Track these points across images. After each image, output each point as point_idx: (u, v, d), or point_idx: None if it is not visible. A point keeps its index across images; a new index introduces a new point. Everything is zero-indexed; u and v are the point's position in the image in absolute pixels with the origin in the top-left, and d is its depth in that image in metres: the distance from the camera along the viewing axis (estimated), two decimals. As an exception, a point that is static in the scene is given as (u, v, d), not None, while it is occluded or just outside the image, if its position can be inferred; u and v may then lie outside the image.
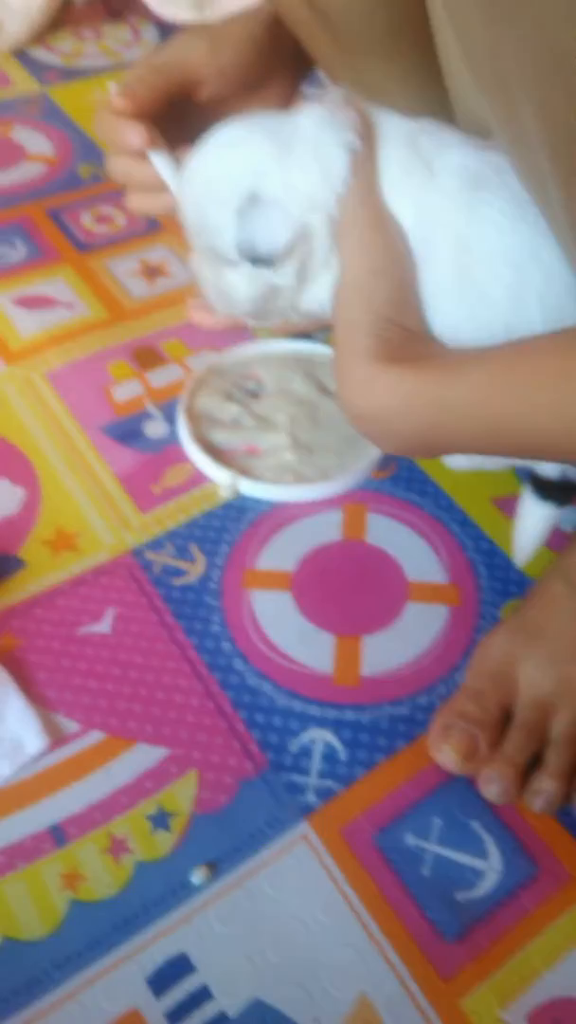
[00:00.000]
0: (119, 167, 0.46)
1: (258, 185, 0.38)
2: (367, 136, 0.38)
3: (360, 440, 0.58)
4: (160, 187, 0.45)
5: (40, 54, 1.00)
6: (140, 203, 0.48)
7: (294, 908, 0.39)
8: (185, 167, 0.42)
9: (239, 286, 0.41)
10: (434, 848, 0.41)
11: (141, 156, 0.45)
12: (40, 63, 0.98)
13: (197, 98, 0.48)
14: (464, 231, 0.37)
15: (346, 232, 0.38)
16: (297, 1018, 0.36)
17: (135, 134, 0.43)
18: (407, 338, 0.36)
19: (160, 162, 0.44)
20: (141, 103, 0.43)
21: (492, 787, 0.41)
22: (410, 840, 0.41)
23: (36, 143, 0.85)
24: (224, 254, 0.40)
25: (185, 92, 0.47)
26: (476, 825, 0.42)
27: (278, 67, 0.51)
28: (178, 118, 0.47)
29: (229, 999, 0.37)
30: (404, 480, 0.57)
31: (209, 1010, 0.37)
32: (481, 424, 0.34)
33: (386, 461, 0.58)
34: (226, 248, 0.40)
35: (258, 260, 0.39)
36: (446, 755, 0.42)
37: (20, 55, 0.99)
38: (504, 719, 0.43)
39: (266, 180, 0.38)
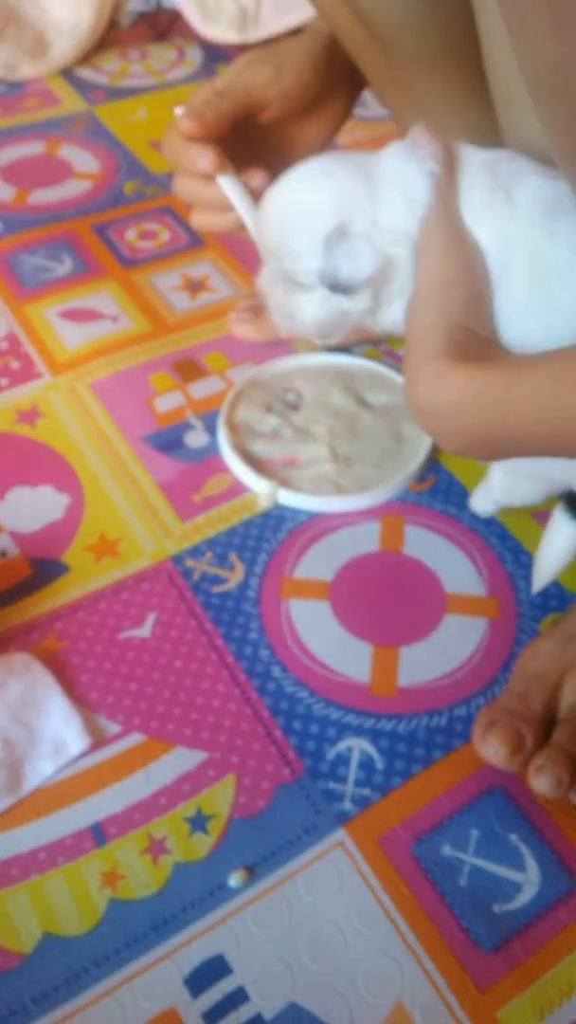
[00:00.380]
0: (186, 187, 0.48)
1: (346, 217, 0.40)
2: (448, 163, 0.40)
3: (399, 453, 0.58)
4: (225, 207, 0.47)
5: (87, 74, 1.03)
6: (205, 222, 0.49)
7: (330, 914, 0.39)
8: (271, 191, 0.43)
9: (308, 309, 0.43)
10: (471, 860, 0.41)
11: (208, 177, 0.46)
12: (87, 82, 1.01)
13: (260, 119, 0.49)
14: (540, 250, 0.39)
15: (425, 244, 0.39)
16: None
17: (205, 159, 0.44)
18: (477, 342, 0.37)
19: (227, 184, 0.46)
20: (209, 127, 0.44)
21: (543, 778, 0.40)
22: (447, 851, 0.41)
23: (83, 161, 0.88)
24: (299, 278, 0.42)
25: (250, 114, 0.48)
26: (514, 838, 0.42)
27: (335, 85, 0.52)
28: (241, 138, 0.49)
29: (265, 1002, 0.37)
30: (442, 493, 0.58)
31: (245, 1012, 0.37)
32: (544, 423, 0.34)
33: (424, 474, 0.58)
34: (304, 274, 0.41)
35: (338, 288, 0.41)
36: (493, 748, 0.42)
37: (67, 75, 1.02)
38: (549, 720, 0.43)
39: (354, 213, 0.40)
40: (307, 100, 0.50)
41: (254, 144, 0.50)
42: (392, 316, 0.42)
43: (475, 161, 0.40)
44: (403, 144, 0.41)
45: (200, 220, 0.49)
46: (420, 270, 0.39)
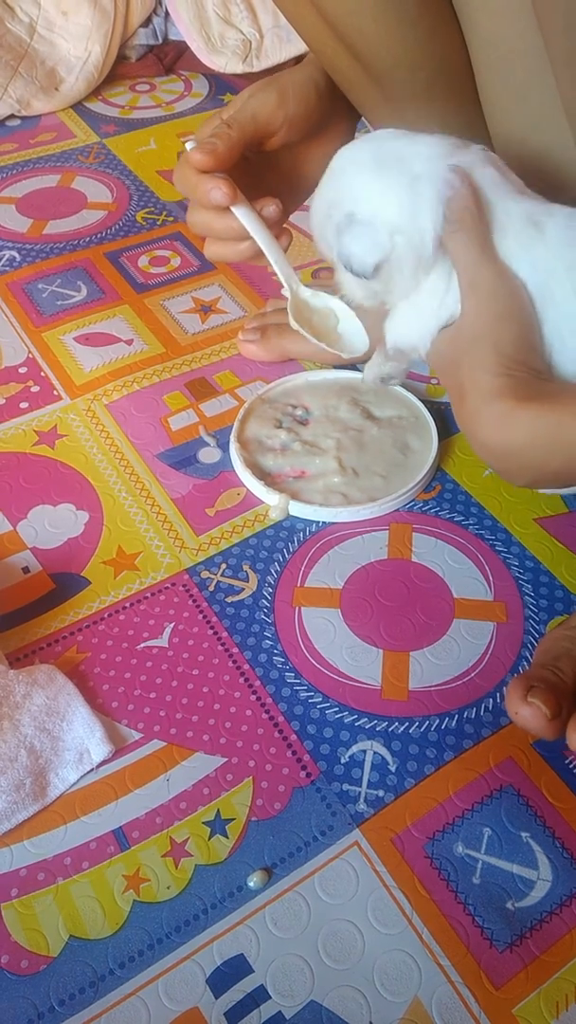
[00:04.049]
0: (200, 219, 0.48)
1: (355, 208, 0.42)
2: (479, 204, 0.41)
3: (405, 463, 0.60)
4: (239, 237, 0.48)
5: (98, 107, 1.07)
6: (220, 253, 0.50)
7: (348, 913, 0.40)
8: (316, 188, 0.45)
9: (353, 287, 0.46)
10: (484, 858, 0.42)
11: (223, 209, 0.47)
12: (98, 115, 1.05)
13: (268, 146, 0.50)
14: None
15: (471, 281, 0.40)
16: (352, 1021, 0.37)
17: (218, 191, 0.45)
18: (534, 376, 0.38)
19: (243, 215, 0.47)
20: (221, 158, 0.45)
21: None
22: (460, 850, 0.42)
23: (96, 191, 0.91)
24: (335, 263, 0.45)
25: (258, 141, 0.49)
26: (526, 836, 0.43)
27: (337, 109, 0.54)
28: (248, 166, 0.50)
29: (285, 1000, 0.38)
30: (449, 501, 0.59)
31: (266, 1011, 0.38)
32: None
33: (431, 483, 0.60)
34: (334, 259, 0.45)
35: (354, 272, 0.43)
36: (535, 709, 0.40)
37: (79, 108, 1.06)
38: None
39: (361, 204, 0.42)
40: (312, 125, 0.52)
41: (261, 170, 0.52)
42: (400, 329, 0.44)
43: (508, 195, 0.42)
44: (441, 144, 0.42)
45: (215, 251, 0.50)
46: (468, 310, 0.40)
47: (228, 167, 0.47)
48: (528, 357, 0.39)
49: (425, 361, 0.44)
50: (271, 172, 0.53)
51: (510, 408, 0.36)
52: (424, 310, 0.43)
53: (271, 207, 0.47)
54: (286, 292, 0.51)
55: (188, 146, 0.47)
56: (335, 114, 0.54)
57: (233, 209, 0.47)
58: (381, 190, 0.41)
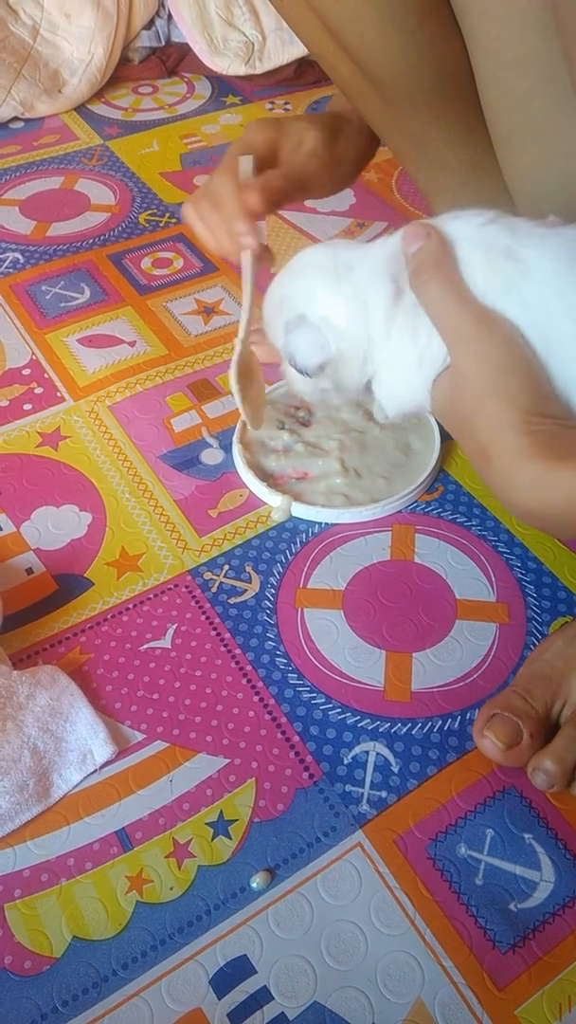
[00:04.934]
0: (216, 247, 0.51)
1: (307, 311, 0.42)
2: (442, 247, 0.39)
3: (408, 465, 0.60)
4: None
5: (101, 109, 1.07)
6: (204, 235, 0.51)
7: (350, 914, 0.40)
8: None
9: (297, 381, 0.46)
10: (487, 859, 0.42)
11: (235, 241, 0.49)
12: (101, 118, 1.05)
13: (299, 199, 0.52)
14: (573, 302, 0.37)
15: (456, 334, 0.37)
16: (355, 1022, 0.37)
17: (249, 237, 0.48)
18: (561, 429, 0.35)
19: (246, 265, 0.49)
20: (270, 210, 0.48)
21: (539, 776, 0.42)
22: (463, 851, 0.42)
23: (99, 193, 0.91)
24: (282, 356, 0.45)
25: (299, 195, 0.51)
26: (528, 837, 0.43)
27: (331, 184, 0.55)
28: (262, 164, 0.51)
29: (288, 1001, 0.38)
30: (451, 503, 0.59)
31: (269, 1011, 0.38)
32: None
33: (433, 484, 0.60)
34: (281, 352, 0.45)
35: (298, 369, 0.43)
36: (489, 742, 0.43)
37: (82, 111, 1.06)
38: (548, 717, 0.44)
39: (313, 308, 0.42)
40: (336, 177, 0.54)
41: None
42: (386, 390, 0.43)
43: (467, 234, 0.39)
44: (387, 249, 0.41)
45: (188, 214, 0.51)
46: (462, 365, 0.37)
47: (261, 215, 0.49)
48: (544, 405, 0.36)
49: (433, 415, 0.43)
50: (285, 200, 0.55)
51: (544, 470, 0.34)
52: (407, 368, 0.41)
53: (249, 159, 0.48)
54: (237, 343, 0.51)
55: (244, 164, 0.49)
56: (331, 184, 0.56)
57: (243, 255, 0.49)
58: (332, 297, 0.41)
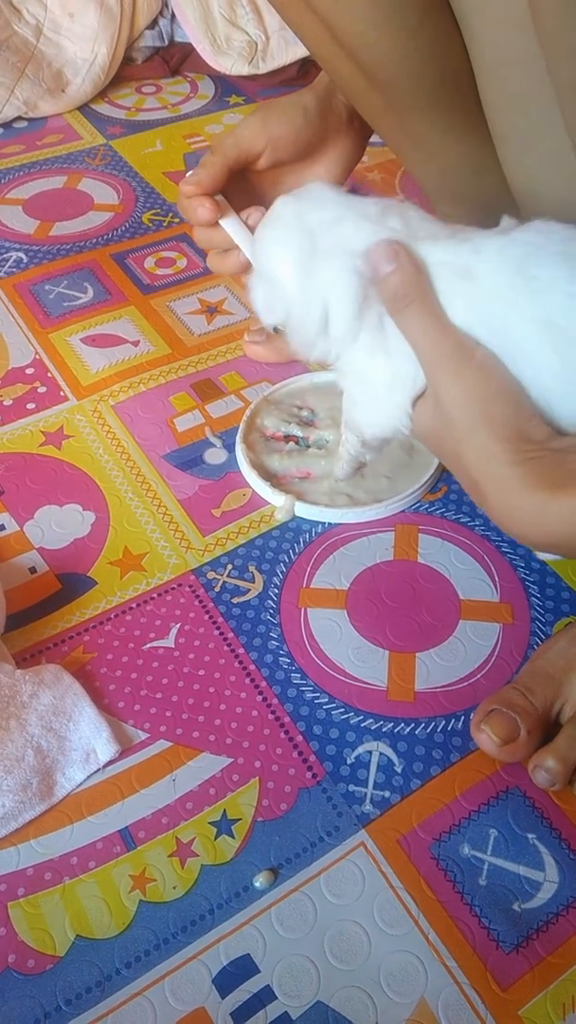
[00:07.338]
0: (201, 237, 0.51)
1: (266, 267, 0.41)
2: (419, 271, 0.37)
3: (411, 464, 0.60)
4: (234, 245, 0.50)
5: (104, 108, 1.07)
6: (217, 264, 0.52)
7: (354, 913, 0.40)
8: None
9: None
10: (490, 859, 0.42)
11: (214, 225, 0.49)
12: (104, 117, 1.05)
13: (256, 167, 0.52)
14: (537, 315, 0.36)
15: (439, 370, 0.37)
16: (358, 1022, 0.37)
17: (204, 210, 0.48)
18: (551, 454, 0.35)
19: (230, 226, 0.49)
20: (204, 185, 0.49)
21: (540, 775, 0.43)
22: (466, 851, 0.42)
23: (102, 193, 0.91)
24: None
25: (244, 164, 0.51)
26: (532, 837, 0.43)
27: (334, 131, 0.55)
28: (246, 187, 0.53)
29: (291, 1000, 0.38)
30: (455, 502, 0.59)
31: (272, 1011, 0.38)
32: None
33: (436, 484, 0.60)
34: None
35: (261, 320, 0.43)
36: (486, 736, 0.43)
37: (86, 110, 1.06)
38: (548, 715, 0.44)
39: (270, 265, 0.41)
40: (299, 146, 0.53)
41: (260, 190, 0.54)
42: (366, 418, 0.42)
43: (433, 260, 0.38)
44: (370, 220, 0.39)
45: (213, 263, 0.53)
46: (444, 397, 0.37)
47: (215, 191, 0.49)
48: (532, 430, 0.35)
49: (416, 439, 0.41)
50: (271, 192, 0.55)
51: (542, 501, 0.34)
52: (381, 390, 0.39)
53: (256, 214, 0.48)
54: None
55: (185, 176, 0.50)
56: (332, 137, 0.55)
57: (221, 222, 0.49)
58: (290, 266, 0.40)
